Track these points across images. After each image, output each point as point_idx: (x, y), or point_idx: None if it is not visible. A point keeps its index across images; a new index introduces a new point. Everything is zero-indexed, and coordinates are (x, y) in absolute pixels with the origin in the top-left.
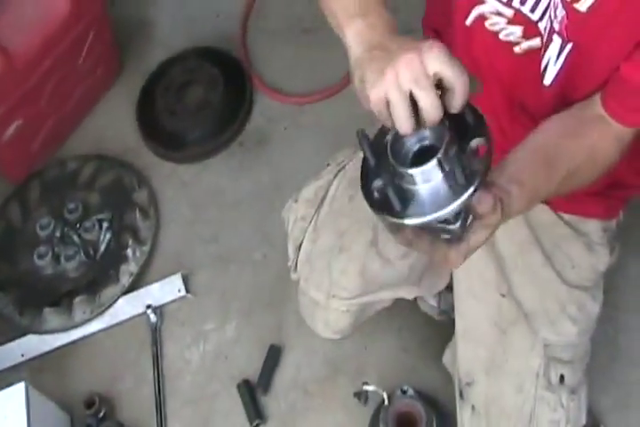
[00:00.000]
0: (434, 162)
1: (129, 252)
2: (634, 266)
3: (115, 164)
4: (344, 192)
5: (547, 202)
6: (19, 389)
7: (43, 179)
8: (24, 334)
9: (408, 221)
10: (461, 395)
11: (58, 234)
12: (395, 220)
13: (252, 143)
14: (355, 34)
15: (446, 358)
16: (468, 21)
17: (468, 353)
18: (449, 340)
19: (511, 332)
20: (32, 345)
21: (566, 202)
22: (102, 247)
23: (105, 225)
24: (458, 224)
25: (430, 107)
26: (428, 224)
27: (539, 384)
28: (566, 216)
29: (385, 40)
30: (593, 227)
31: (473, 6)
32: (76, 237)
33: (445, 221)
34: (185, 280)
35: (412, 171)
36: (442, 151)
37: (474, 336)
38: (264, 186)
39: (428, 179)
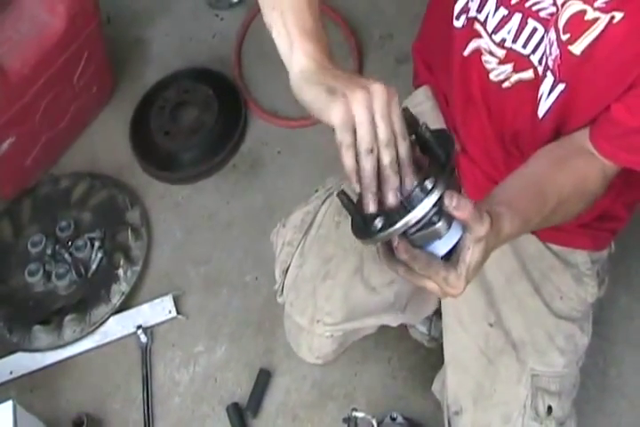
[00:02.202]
0: None
1: (120, 271)
2: (624, 298)
3: (108, 182)
4: (331, 219)
5: (535, 232)
6: (6, 407)
7: (35, 196)
8: (13, 351)
9: (392, 229)
10: (450, 424)
11: (49, 252)
12: (383, 234)
13: (245, 166)
14: (312, 51)
15: (435, 387)
16: (466, 52)
17: (456, 382)
18: (438, 367)
19: (499, 361)
20: (21, 363)
21: (555, 233)
22: (93, 266)
23: (97, 244)
24: (441, 223)
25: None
26: (414, 226)
27: (526, 415)
28: (555, 247)
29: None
30: (581, 258)
31: (471, 39)
32: (67, 256)
33: (429, 222)
34: (176, 301)
35: None
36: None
37: (462, 365)
38: (256, 209)
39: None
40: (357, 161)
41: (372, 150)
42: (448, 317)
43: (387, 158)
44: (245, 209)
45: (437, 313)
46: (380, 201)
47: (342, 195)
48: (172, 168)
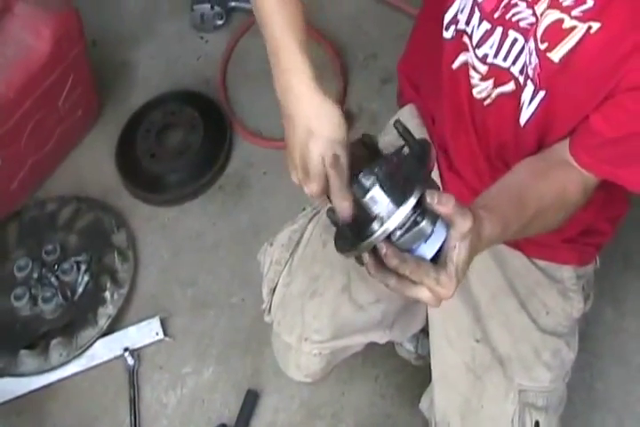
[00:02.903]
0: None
1: (107, 294)
2: (609, 313)
3: (94, 205)
4: (318, 237)
5: (520, 248)
6: None
7: (21, 220)
8: None
9: (377, 234)
10: None
11: (35, 275)
12: (370, 239)
13: (231, 187)
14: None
15: (423, 404)
16: (455, 65)
17: (443, 398)
18: (426, 385)
19: (486, 377)
20: (7, 388)
21: (540, 248)
22: (80, 289)
23: (83, 267)
24: (425, 222)
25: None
26: (400, 231)
27: None
28: (540, 263)
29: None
30: (567, 274)
31: (459, 52)
32: (53, 279)
33: (414, 222)
34: (163, 323)
35: (365, 199)
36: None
37: (449, 382)
38: (243, 230)
39: (380, 201)
40: None
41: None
42: (435, 333)
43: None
44: (232, 230)
45: (424, 331)
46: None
47: (330, 211)
48: (159, 190)
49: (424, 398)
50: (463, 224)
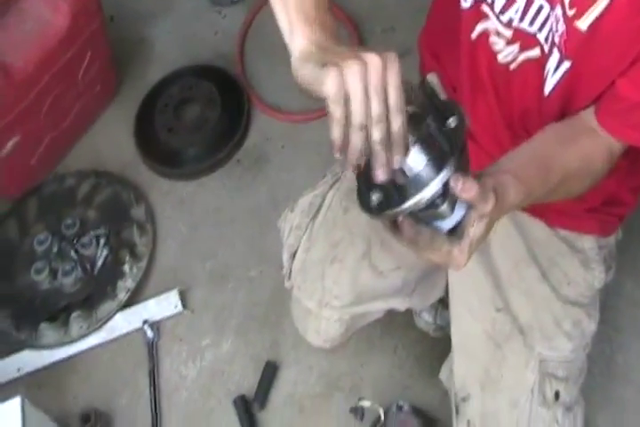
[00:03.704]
0: (415, 149)
1: (126, 267)
2: (629, 285)
3: (112, 180)
4: (339, 204)
5: (542, 217)
6: (15, 404)
7: (40, 195)
8: (20, 349)
9: (398, 209)
10: (457, 410)
11: (55, 250)
12: (390, 212)
13: (249, 161)
14: (311, 35)
15: (443, 374)
16: (474, 35)
17: (463, 368)
18: (444, 357)
19: (506, 347)
20: (28, 360)
21: (562, 217)
22: (99, 263)
23: (102, 241)
24: (445, 205)
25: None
26: (417, 209)
27: (534, 400)
28: (562, 232)
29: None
30: (589, 244)
31: (478, 21)
32: (73, 253)
33: (433, 204)
34: (182, 296)
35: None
36: (418, 139)
37: (469, 351)
38: (261, 203)
39: (411, 168)
40: (347, 134)
41: (363, 126)
42: (455, 303)
43: (377, 134)
44: (250, 204)
45: (443, 302)
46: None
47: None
48: (177, 165)
49: (443, 368)
50: (484, 207)
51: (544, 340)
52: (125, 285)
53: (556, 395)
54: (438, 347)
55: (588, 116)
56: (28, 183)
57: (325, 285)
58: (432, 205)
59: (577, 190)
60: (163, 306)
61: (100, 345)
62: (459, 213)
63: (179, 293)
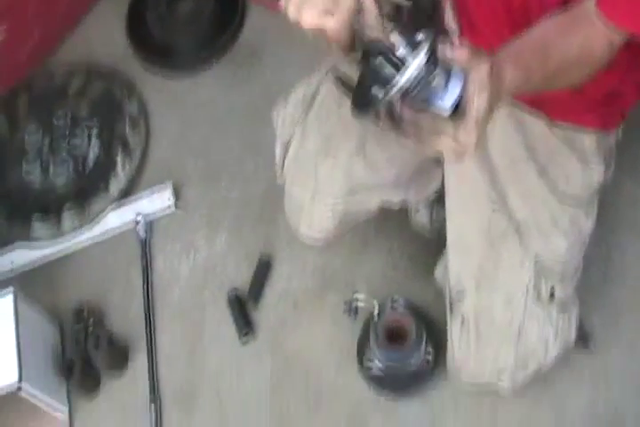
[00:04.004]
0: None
1: (118, 163)
2: (628, 185)
3: (105, 75)
4: (333, 97)
5: (543, 110)
6: (7, 297)
7: (31, 91)
8: (12, 244)
9: (395, 85)
10: (451, 308)
11: (46, 145)
12: (387, 94)
13: (243, 56)
14: None
15: (438, 272)
16: None
17: (458, 265)
18: (439, 256)
19: (502, 244)
20: (21, 256)
21: (562, 110)
22: (91, 159)
23: (94, 136)
24: (438, 77)
25: None
26: (411, 86)
27: (528, 299)
28: (562, 129)
29: None
30: (588, 141)
31: None
32: (64, 149)
33: (426, 76)
34: (175, 193)
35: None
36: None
37: (464, 249)
38: (255, 100)
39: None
40: None
41: None
42: (451, 199)
43: None
44: (244, 100)
45: (439, 201)
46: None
47: (337, 80)
48: (170, 60)
49: (438, 266)
50: (480, 69)
51: (540, 238)
52: (118, 180)
53: (552, 293)
54: (433, 247)
55: (589, 4)
56: (17, 79)
57: (319, 178)
58: (427, 73)
59: (576, 79)
60: (155, 203)
61: (93, 242)
62: (455, 88)
63: (172, 189)
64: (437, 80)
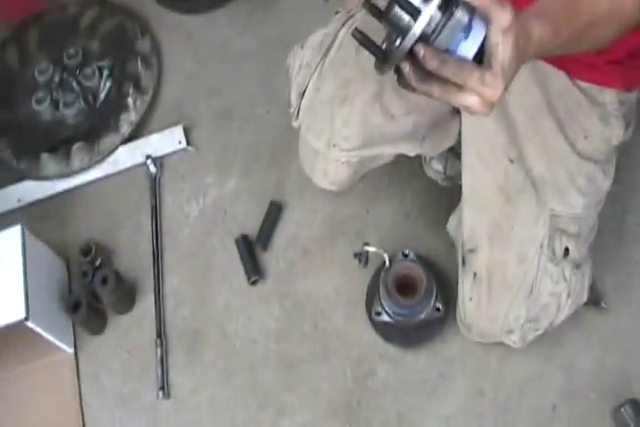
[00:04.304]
0: None
1: (129, 101)
2: None
3: (117, 10)
4: (351, 42)
5: (564, 67)
6: (15, 232)
7: (42, 23)
8: (21, 179)
9: (414, 28)
10: (464, 262)
11: (57, 79)
12: (407, 39)
13: None
14: None
15: (450, 225)
16: None
17: (472, 219)
18: (451, 208)
19: (517, 199)
20: (29, 191)
21: (585, 68)
22: (102, 95)
23: (105, 73)
24: (460, 11)
25: None
26: (437, 26)
27: (542, 255)
28: (583, 84)
29: None
30: (609, 97)
31: None
32: (75, 84)
33: (450, 14)
34: (186, 133)
35: None
36: None
37: (479, 202)
38: (271, 41)
39: None
40: None
41: None
42: (467, 153)
43: None
44: (259, 41)
45: (454, 153)
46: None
47: (357, 32)
48: None
49: (451, 219)
50: (502, 16)
51: (557, 194)
52: (129, 118)
53: (566, 251)
54: (445, 197)
55: None
56: (27, 10)
57: (335, 125)
58: (449, 16)
59: (605, 38)
60: (166, 141)
61: (103, 179)
62: (480, 33)
63: (183, 129)
64: (457, 26)
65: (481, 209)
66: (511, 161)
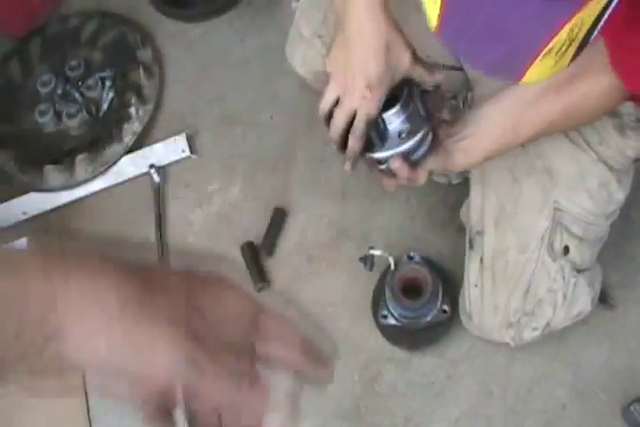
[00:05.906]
0: (396, 108)
1: (132, 110)
2: None
3: (118, 21)
4: None
5: None
6: (21, 245)
7: (44, 35)
8: (25, 191)
9: (378, 154)
10: (471, 245)
11: (59, 91)
12: (373, 155)
13: (261, 2)
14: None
15: (462, 212)
16: None
17: (479, 201)
18: (457, 208)
19: (524, 182)
20: (34, 203)
21: None
22: (105, 106)
23: (108, 83)
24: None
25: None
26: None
27: (542, 247)
28: None
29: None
30: (627, 109)
31: None
32: (77, 95)
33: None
34: (189, 141)
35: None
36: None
37: (487, 184)
38: (272, 47)
39: (392, 122)
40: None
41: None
42: None
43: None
44: (260, 47)
45: None
46: None
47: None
48: (185, 5)
49: (464, 206)
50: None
51: (564, 189)
52: (132, 128)
53: (566, 250)
54: (451, 198)
55: (597, 56)
56: (30, 23)
57: (328, 21)
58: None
59: (581, 124)
60: (170, 150)
61: (107, 189)
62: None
63: (186, 137)
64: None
65: (488, 190)
66: (522, 146)
